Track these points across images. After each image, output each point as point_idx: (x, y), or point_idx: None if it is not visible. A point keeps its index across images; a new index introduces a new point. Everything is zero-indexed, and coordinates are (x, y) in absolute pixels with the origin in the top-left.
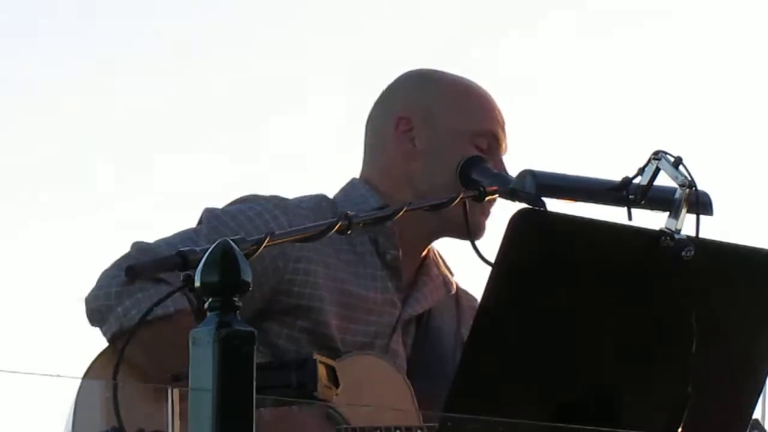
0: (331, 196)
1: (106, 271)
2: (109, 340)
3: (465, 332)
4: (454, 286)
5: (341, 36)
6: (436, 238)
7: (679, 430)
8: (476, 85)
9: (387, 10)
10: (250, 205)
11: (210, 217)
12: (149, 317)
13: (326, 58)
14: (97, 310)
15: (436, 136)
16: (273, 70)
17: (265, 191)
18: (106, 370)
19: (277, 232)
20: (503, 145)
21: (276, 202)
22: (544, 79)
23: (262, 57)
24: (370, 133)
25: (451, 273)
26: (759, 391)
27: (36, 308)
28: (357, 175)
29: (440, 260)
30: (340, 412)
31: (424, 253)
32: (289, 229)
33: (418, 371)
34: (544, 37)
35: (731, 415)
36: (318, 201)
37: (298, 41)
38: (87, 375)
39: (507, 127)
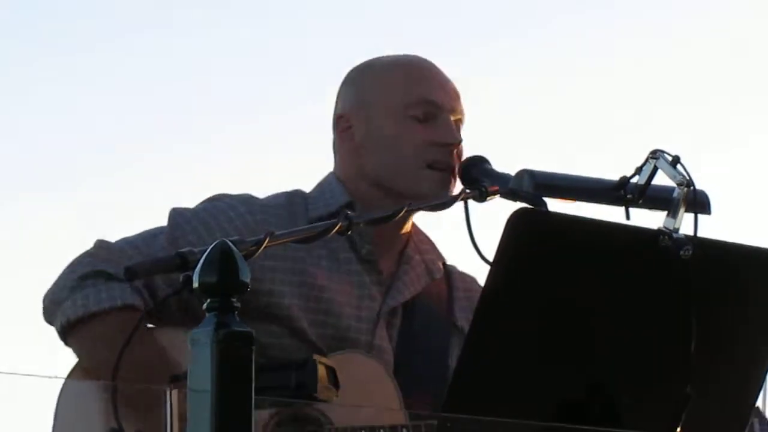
0: (308, 190)
1: (65, 269)
2: (59, 334)
3: (459, 314)
4: (441, 272)
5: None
6: (405, 217)
7: (679, 429)
8: (408, 58)
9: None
10: (216, 204)
11: (174, 215)
12: (94, 309)
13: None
14: (51, 303)
15: (371, 123)
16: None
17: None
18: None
19: (276, 233)
20: (451, 112)
21: (243, 199)
22: (542, 78)
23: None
24: (332, 134)
25: (440, 258)
26: (758, 390)
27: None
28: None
29: (428, 245)
30: (324, 411)
31: (402, 239)
32: (288, 230)
33: (405, 361)
34: (542, 37)
35: (731, 415)
36: (290, 197)
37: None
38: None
39: (460, 94)
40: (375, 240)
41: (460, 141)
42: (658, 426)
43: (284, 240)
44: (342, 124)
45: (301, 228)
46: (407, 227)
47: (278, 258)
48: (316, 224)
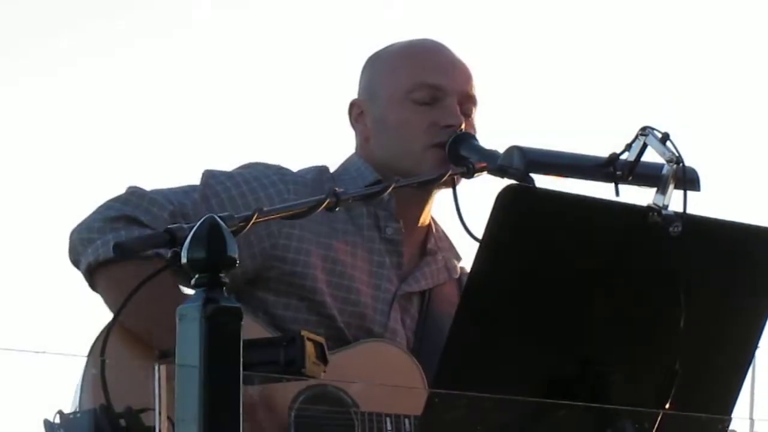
0: (332, 169)
1: (96, 210)
2: (84, 273)
3: None
4: (458, 271)
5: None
6: (427, 197)
7: (667, 405)
8: (416, 43)
9: None
10: (250, 170)
11: (208, 176)
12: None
13: None
14: (79, 242)
15: (379, 109)
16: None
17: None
18: (116, 346)
19: (264, 209)
20: (458, 94)
21: (276, 168)
22: (532, 53)
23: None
24: None
25: (458, 258)
26: (747, 366)
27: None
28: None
29: (447, 242)
30: (352, 396)
31: (423, 222)
32: (276, 206)
33: (419, 353)
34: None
35: (719, 391)
36: (319, 173)
37: None
38: (93, 348)
39: (472, 76)
40: (398, 221)
41: (461, 122)
42: (647, 402)
43: (273, 216)
44: (355, 111)
45: (289, 204)
46: (427, 216)
47: (305, 228)
48: (304, 200)
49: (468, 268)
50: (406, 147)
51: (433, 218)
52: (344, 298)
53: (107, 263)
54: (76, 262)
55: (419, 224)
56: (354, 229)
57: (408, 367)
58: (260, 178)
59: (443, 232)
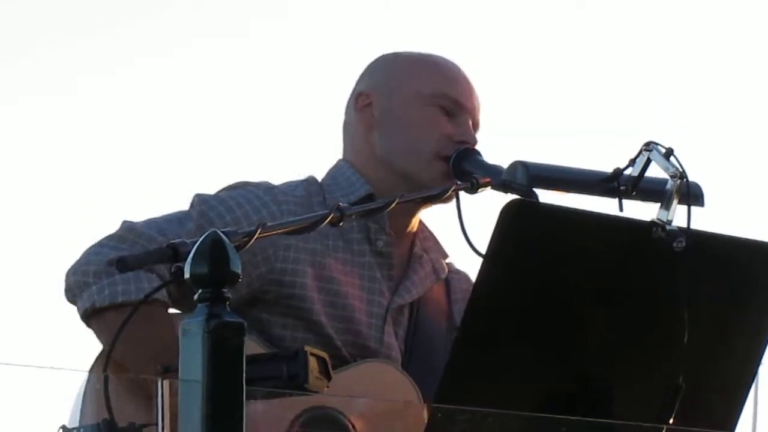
0: (319, 178)
1: (91, 247)
2: (81, 317)
3: (458, 316)
4: (445, 271)
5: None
6: (419, 209)
7: (671, 420)
8: (440, 56)
9: None
10: (240, 192)
11: (200, 201)
12: (119, 300)
13: None
14: (75, 285)
15: (393, 102)
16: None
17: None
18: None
19: (268, 224)
20: (472, 118)
21: (266, 187)
22: (536, 69)
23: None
24: (344, 116)
25: (444, 255)
26: (750, 381)
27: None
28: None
29: (432, 242)
30: (351, 421)
31: (411, 231)
32: (280, 221)
33: (411, 364)
34: (536, 30)
35: (722, 406)
36: (307, 186)
37: None
38: (95, 364)
39: (481, 107)
40: (390, 234)
41: (475, 143)
42: (649, 416)
43: (276, 231)
44: (362, 101)
45: (292, 220)
46: (416, 223)
47: (300, 249)
48: (307, 216)
49: (455, 264)
50: (414, 147)
51: (419, 220)
52: (340, 316)
53: (102, 311)
54: (72, 302)
55: (408, 231)
56: (344, 245)
57: (405, 388)
58: (252, 200)
59: (428, 230)
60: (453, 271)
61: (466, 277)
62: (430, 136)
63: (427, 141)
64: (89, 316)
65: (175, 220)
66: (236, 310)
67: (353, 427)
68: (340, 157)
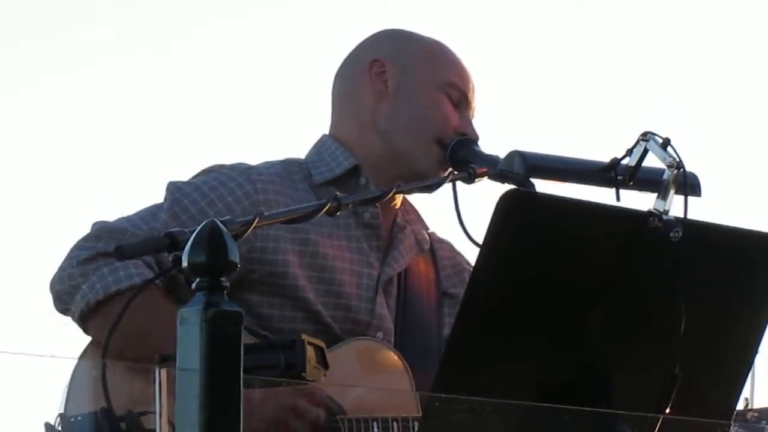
0: (303, 156)
1: (68, 253)
2: (78, 320)
3: (446, 282)
4: (428, 242)
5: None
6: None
7: (668, 410)
8: (453, 50)
9: None
10: (213, 175)
11: (173, 189)
12: (113, 290)
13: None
14: (63, 292)
15: (409, 79)
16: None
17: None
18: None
19: (266, 213)
20: (472, 108)
21: (241, 169)
22: (534, 58)
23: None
24: (339, 84)
25: (425, 227)
26: (747, 371)
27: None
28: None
29: (413, 214)
30: (338, 402)
31: (395, 205)
32: (276, 211)
33: (404, 334)
34: (535, 18)
35: (720, 396)
36: (286, 165)
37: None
38: (83, 356)
39: (477, 95)
40: (376, 205)
41: (477, 138)
42: (647, 407)
43: (274, 221)
44: (377, 67)
45: (290, 209)
46: (400, 198)
47: (280, 227)
48: (305, 205)
49: (438, 234)
50: (419, 126)
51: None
52: (327, 290)
53: (99, 305)
54: (65, 311)
55: (392, 205)
56: (329, 219)
57: (395, 366)
58: (226, 182)
59: (409, 203)
60: (436, 240)
61: (450, 245)
62: (437, 120)
63: (432, 124)
64: (86, 316)
65: (147, 213)
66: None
67: (341, 408)
68: (325, 132)
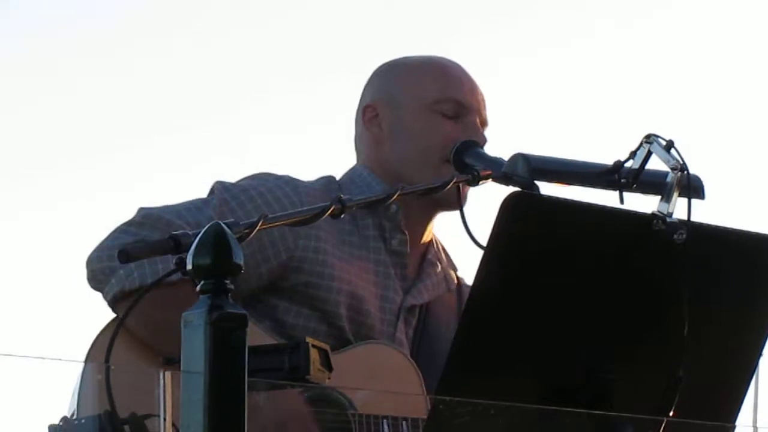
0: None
1: (111, 234)
2: (109, 303)
3: None
4: (455, 283)
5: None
6: (433, 214)
7: (671, 412)
8: (441, 59)
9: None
10: (261, 181)
11: (221, 189)
12: (149, 282)
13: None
14: (100, 271)
15: (399, 114)
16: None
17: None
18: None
19: (270, 216)
20: (478, 116)
21: (287, 179)
22: (538, 61)
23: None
24: (355, 128)
25: (454, 269)
26: (751, 373)
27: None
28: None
29: (444, 255)
30: (348, 398)
31: (426, 239)
32: (281, 213)
33: (420, 362)
34: (537, 24)
35: (723, 398)
36: (327, 183)
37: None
38: (91, 352)
39: (486, 102)
40: (404, 233)
41: (485, 141)
42: (650, 408)
43: (278, 223)
44: (369, 113)
45: (295, 211)
46: (430, 233)
47: (321, 240)
48: (310, 207)
49: (466, 279)
50: (424, 155)
51: (433, 234)
52: (355, 309)
53: (133, 293)
54: (98, 289)
55: (422, 240)
56: (360, 241)
57: (405, 368)
58: (274, 190)
59: (442, 245)
60: (464, 285)
61: None
62: (437, 142)
63: (434, 148)
64: (118, 300)
65: (194, 206)
66: (252, 295)
67: (352, 405)
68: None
